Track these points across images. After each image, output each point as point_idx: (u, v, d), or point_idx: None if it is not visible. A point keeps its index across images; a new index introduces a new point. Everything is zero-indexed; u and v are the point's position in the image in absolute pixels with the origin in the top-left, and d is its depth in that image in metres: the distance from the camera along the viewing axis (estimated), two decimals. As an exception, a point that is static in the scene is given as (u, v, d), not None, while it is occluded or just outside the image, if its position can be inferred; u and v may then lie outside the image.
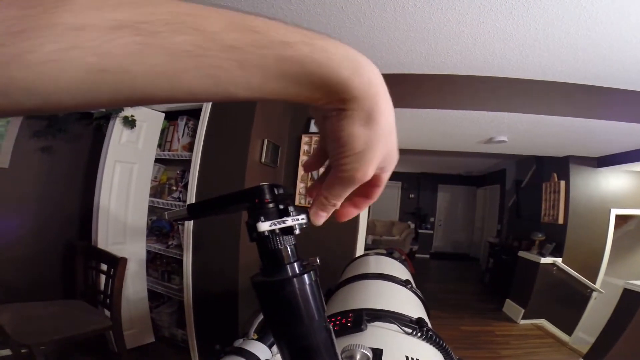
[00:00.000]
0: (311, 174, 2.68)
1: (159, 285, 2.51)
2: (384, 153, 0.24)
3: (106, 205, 2.23)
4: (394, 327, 0.61)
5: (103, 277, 2.02)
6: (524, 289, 4.07)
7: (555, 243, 3.97)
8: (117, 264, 1.94)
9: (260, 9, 1.81)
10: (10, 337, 1.54)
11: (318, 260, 0.29)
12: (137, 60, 0.17)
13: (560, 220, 3.91)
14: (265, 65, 0.19)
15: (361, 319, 0.61)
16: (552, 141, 3.31)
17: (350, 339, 0.57)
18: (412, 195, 8.74)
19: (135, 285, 2.37)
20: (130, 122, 2.26)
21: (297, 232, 0.26)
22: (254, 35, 0.19)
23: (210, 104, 2.26)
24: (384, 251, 1.47)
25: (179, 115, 2.52)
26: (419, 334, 0.60)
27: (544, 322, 3.97)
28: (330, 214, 0.28)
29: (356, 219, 2.64)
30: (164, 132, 2.60)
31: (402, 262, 1.29)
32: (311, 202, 0.28)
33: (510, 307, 4.25)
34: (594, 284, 3.76)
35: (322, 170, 0.31)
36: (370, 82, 0.22)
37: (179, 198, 2.47)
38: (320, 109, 0.23)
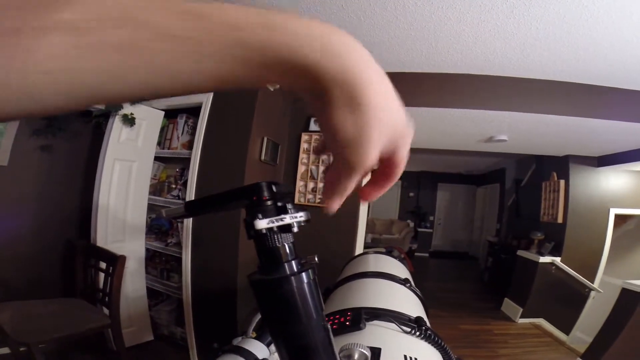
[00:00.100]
0: (311, 172, 2.68)
1: (158, 284, 2.51)
2: (386, 133, 0.22)
3: (105, 203, 2.22)
4: (393, 326, 0.61)
5: (102, 275, 2.02)
6: (523, 288, 4.08)
7: (554, 242, 3.98)
8: (116, 262, 1.93)
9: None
10: (9, 335, 1.54)
11: (316, 259, 0.29)
12: (78, 60, 0.16)
13: (560, 220, 3.91)
14: (215, 53, 0.18)
15: (360, 317, 0.61)
16: (552, 140, 3.31)
17: (349, 338, 0.57)
18: (411, 194, 8.74)
19: (134, 283, 2.37)
20: (129, 120, 2.25)
21: (295, 230, 0.26)
22: (200, 22, 0.17)
23: (210, 102, 2.25)
24: (384, 250, 1.47)
25: (179, 113, 2.52)
26: (418, 333, 0.60)
27: (542, 321, 3.98)
28: (342, 199, 0.26)
29: (355, 218, 2.64)
30: (163, 130, 2.60)
31: (401, 260, 1.29)
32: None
33: (509, 306, 4.26)
34: (593, 283, 3.77)
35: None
36: (345, 63, 0.20)
37: (178, 196, 2.47)
38: (303, 96, 0.22)
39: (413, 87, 2.48)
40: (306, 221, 0.27)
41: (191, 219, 2.13)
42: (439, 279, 6.30)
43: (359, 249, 2.67)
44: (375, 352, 0.50)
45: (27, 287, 2.18)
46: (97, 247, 2.14)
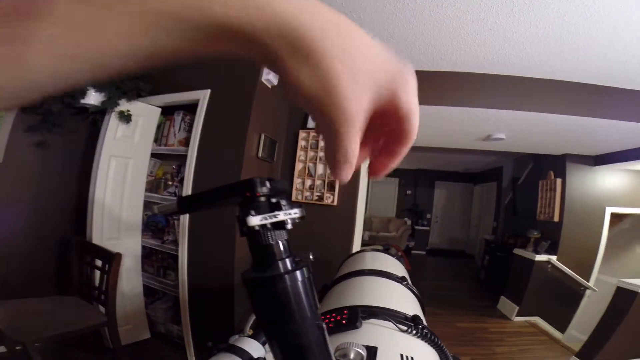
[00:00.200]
0: (308, 169, 2.67)
1: (155, 281, 2.50)
2: (364, 80, 0.20)
3: (101, 200, 2.21)
4: (390, 324, 0.61)
5: (98, 273, 2.01)
6: (519, 286, 4.10)
7: (550, 241, 4.00)
8: (111, 259, 1.92)
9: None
10: (4, 334, 1.53)
11: (311, 257, 0.28)
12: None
13: (556, 218, 3.93)
14: (123, 24, 0.17)
15: (356, 316, 0.61)
16: (549, 139, 3.32)
17: (345, 337, 0.56)
18: (409, 192, 8.76)
19: (130, 281, 2.36)
20: (125, 117, 2.23)
21: (289, 226, 0.25)
22: None
23: (207, 99, 2.24)
24: (381, 247, 1.47)
25: (176, 110, 2.50)
26: (415, 332, 0.60)
27: (537, 320, 4.01)
28: (353, 167, 0.23)
29: (353, 215, 2.64)
30: (160, 126, 2.58)
31: (398, 258, 1.29)
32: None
33: (505, 304, 4.28)
34: (588, 282, 3.80)
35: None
36: (276, 13, 0.18)
37: (175, 193, 2.45)
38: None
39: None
40: (301, 218, 0.26)
41: (187, 216, 2.12)
42: (436, 276, 6.33)
43: (357, 246, 2.67)
44: (372, 351, 0.49)
45: (22, 285, 2.16)
46: (92, 245, 2.13)
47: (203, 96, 2.25)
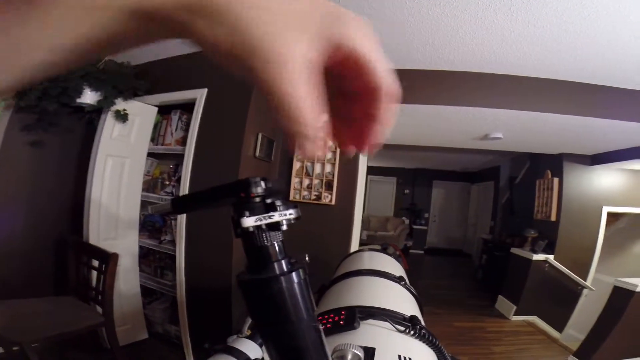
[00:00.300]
0: (306, 169, 2.66)
1: (152, 281, 2.49)
2: (296, 25, 0.17)
3: (98, 200, 2.20)
4: (387, 325, 0.61)
5: (95, 273, 2.00)
6: (516, 286, 4.11)
7: (547, 240, 4.01)
8: (108, 259, 1.91)
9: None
10: (1, 334, 1.52)
11: (307, 258, 0.28)
12: None
13: (553, 218, 3.94)
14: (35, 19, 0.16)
15: (354, 316, 0.60)
16: (547, 138, 3.33)
17: (343, 338, 0.56)
18: (407, 191, 8.78)
19: (128, 281, 2.35)
20: (122, 116, 2.22)
21: (284, 228, 0.25)
22: None
23: (205, 98, 2.23)
24: (379, 247, 1.47)
25: (173, 109, 2.49)
26: (412, 332, 0.59)
27: (535, 319, 4.02)
28: (321, 143, 0.20)
29: (351, 214, 2.64)
30: (157, 126, 2.57)
31: (396, 258, 1.28)
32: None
33: (503, 304, 4.30)
34: (585, 281, 3.81)
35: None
36: None
37: (172, 192, 2.44)
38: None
39: (409, 84, 2.47)
40: (296, 219, 0.25)
41: (184, 215, 2.11)
42: (434, 276, 6.35)
43: (355, 246, 2.67)
44: (369, 352, 0.49)
45: (19, 285, 2.15)
46: (89, 245, 2.12)
47: (200, 95, 2.24)
